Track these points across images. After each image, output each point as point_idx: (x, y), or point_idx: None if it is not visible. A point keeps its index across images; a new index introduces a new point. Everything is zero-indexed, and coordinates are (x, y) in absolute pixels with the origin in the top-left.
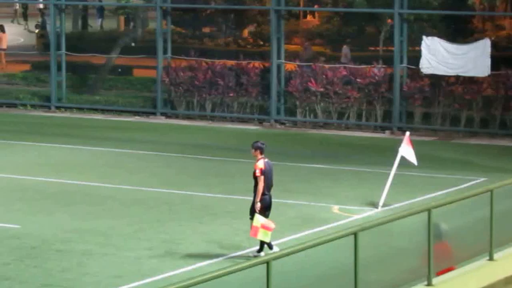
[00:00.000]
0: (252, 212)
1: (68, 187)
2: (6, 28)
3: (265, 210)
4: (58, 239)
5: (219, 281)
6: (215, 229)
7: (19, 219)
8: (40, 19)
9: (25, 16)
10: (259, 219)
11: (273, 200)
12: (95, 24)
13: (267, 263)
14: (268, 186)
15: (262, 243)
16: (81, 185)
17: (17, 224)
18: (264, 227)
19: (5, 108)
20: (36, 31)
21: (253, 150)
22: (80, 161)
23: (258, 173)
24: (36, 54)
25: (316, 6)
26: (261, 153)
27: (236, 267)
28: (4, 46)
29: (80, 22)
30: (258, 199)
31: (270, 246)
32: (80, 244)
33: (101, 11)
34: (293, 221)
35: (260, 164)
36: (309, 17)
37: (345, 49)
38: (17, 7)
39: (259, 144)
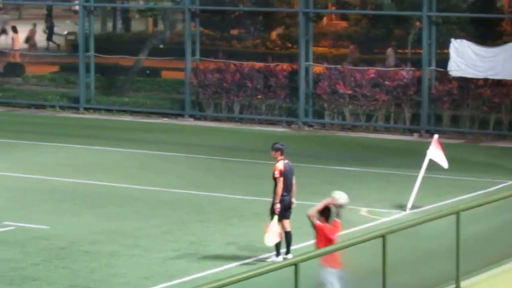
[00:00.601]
0: (273, 213)
1: (96, 188)
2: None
3: (285, 211)
4: (86, 240)
5: (248, 282)
6: (243, 231)
7: (47, 220)
8: (47, 23)
9: (48, 18)
10: (274, 222)
11: (300, 202)
12: (119, 26)
13: (296, 265)
14: (287, 187)
15: (277, 246)
16: (109, 186)
17: (45, 225)
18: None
19: (34, 109)
20: (62, 32)
21: (273, 152)
22: (108, 163)
23: (277, 174)
24: (65, 56)
25: (333, 8)
26: (281, 155)
27: (265, 269)
28: (16, 47)
29: (108, 24)
30: (277, 200)
31: (278, 252)
32: (108, 245)
33: (124, 13)
34: None
35: (280, 165)
36: (324, 20)
37: (390, 51)
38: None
39: (278, 146)
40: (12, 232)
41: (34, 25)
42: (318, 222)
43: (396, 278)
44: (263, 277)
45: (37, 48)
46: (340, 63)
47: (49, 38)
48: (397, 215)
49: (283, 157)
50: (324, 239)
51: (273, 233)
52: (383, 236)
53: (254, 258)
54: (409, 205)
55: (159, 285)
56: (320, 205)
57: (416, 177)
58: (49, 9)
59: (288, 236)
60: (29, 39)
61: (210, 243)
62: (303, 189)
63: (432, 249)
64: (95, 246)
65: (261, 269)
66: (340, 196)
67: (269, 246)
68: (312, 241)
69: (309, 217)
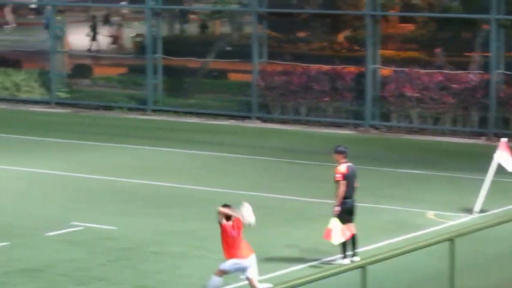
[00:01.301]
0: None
1: (163, 189)
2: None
3: (349, 215)
4: (153, 240)
5: (315, 285)
6: (308, 233)
7: (114, 220)
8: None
9: (106, 21)
10: (334, 222)
11: (367, 205)
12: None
13: (363, 267)
14: (350, 190)
15: (343, 248)
16: (175, 187)
17: (112, 225)
18: (331, 231)
19: (102, 111)
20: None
21: (336, 155)
22: (175, 164)
23: (339, 177)
24: (133, 57)
25: (392, 11)
26: (344, 157)
27: (332, 271)
28: (66, 48)
29: (175, 26)
30: (337, 203)
31: (344, 255)
32: (174, 246)
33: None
34: (387, 226)
35: (342, 168)
36: (387, 22)
37: (477, 57)
38: (125, 11)
39: (341, 148)
40: (80, 233)
41: (120, 25)
42: (224, 222)
43: (464, 282)
44: (330, 280)
45: (125, 49)
46: (407, 66)
47: (93, 39)
48: (464, 219)
49: (346, 160)
50: (230, 237)
51: (336, 232)
52: (451, 240)
53: (320, 261)
54: (477, 208)
55: (225, 286)
56: (229, 213)
57: (483, 180)
58: (108, 11)
59: (354, 239)
60: (116, 40)
61: (275, 245)
62: (369, 192)
63: (501, 253)
64: (162, 247)
65: (328, 271)
66: (249, 219)
67: (335, 249)
68: (380, 244)
69: (219, 213)
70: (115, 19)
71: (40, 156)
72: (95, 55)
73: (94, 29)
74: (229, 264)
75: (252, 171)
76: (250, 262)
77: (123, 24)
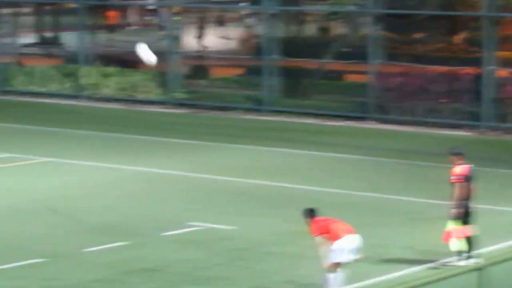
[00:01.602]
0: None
1: (280, 190)
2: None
3: (466, 217)
4: (269, 241)
5: (432, 286)
6: (425, 234)
7: (231, 220)
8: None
9: (221, 22)
10: (452, 225)
11: (483, 206)
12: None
13: (481, 269)
14: (467, 192)
15: (461, 250)
16: (292, 188)
17: (229, 225)
18: (450, 234)
19: (219, 112)
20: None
21: (452, 156)
22: (291, 165)
23: (454, 179)
24: (249, 59)
25: (510, 12)
26: (461, 159)
27: (449, 273)
28: (178, 50)
29: (292, 27)
30: (454, 205)
31: (461, 257)
32: (291, 246)
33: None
34: (505, 228)
35: (458, 170)
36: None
37: None
38: (244, 12)
39: (458, 150)
40: (196, 233)
41: (249, 27)
42: (318, 236)
43: None
44: (446, 282)
45: (244, 50)
46: None
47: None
48: None
49: (462, 161)
50: (323, 229)
51: (455, 235)
52: None
53: (437, 262)
54: None
55: (341, 287)
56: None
57: None
58: (220, 14)
59: (471, 241)
60: (245, 41)
61: (392, 246)
62: (486, 194)
63: None
64: (279, 247)
65: (445, 273)
66: (149, 60)
67: (451, 251)
68: (497, 246)
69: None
70: (247, 20)
71: (157, 156)
72: (212, 56)
73: (201, 30)
74: (331, 255)
75: (369, 172)
76: (347, 241)
77: (254, 26)
